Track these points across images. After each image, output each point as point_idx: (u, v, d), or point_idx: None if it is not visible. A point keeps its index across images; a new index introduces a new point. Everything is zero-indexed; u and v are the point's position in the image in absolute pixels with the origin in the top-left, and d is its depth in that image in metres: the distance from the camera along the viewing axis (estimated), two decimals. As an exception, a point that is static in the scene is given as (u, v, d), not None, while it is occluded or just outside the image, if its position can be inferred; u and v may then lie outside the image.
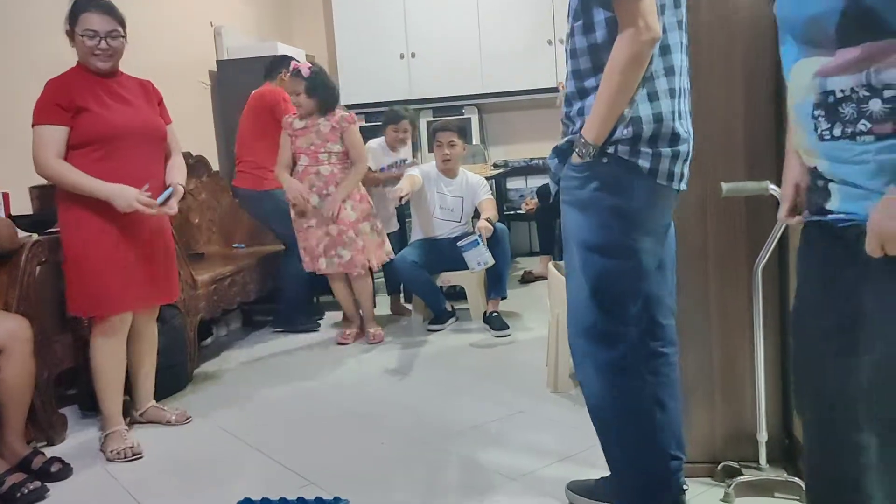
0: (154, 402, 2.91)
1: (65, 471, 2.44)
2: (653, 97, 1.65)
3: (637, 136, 1.64)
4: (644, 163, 1.64)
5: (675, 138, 1.66)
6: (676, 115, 1.68)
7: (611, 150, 1.65)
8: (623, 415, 1.76)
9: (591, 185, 1.69)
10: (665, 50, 1.67)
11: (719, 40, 2.00)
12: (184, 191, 2.73)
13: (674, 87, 1.68)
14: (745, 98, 2.04)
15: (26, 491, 2.25)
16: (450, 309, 4.09)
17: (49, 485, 2.33)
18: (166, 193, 2.61)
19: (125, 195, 2.46)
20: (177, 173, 2.73)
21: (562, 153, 1.76)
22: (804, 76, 1.22)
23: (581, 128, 1.68)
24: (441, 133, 4.05)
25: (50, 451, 2.55)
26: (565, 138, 1.76)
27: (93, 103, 2.50)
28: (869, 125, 1.13)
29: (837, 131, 1.18)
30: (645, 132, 1.64)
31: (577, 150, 1.68)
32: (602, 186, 1.68)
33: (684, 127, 1.70)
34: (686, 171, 1.73)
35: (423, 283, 4.02)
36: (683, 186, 1.75)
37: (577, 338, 1.80)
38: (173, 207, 2.62)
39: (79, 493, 2.33)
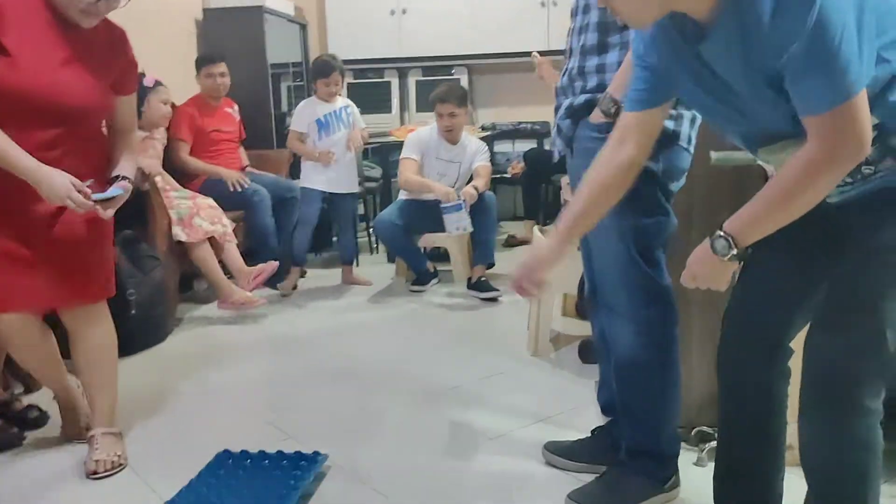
0: (106, 429, 2.19)
1: (42, 418, 2.42)
2: None
3: None
4: (668, 124, 1.64)
5: None
6: None
7: None
8: (666, 367, 1.79)
9: None
10: None
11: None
12: (132, 189, 2.08)
13: None
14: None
15: (2, 436, 2.25)
16: (431, 270, 4.09)
17: (27, 432, 2.32)
18: (111, 192, 1.98)
19: (57, 186, 1.86)
20: (126, 164, 2.10)
21: (575, 113, 1.74)
22: (783, 151, 1.28)
23: (598, 85, 1.66)
24: (441, 105, 3.92)
25: (27, 399, 2.53)
26: (582, 97, 1.74)
27: (15, 42, 1.85)
28: None
29: None
30: None
31: (601, 107, 1.67)
32: None
33: None
34: (694, 136, 1.74)
35: (402, 244, 4.00)
36: (692, 150, 1.75)
37: (615, 296, 1.80)
38: (108, 213, 1.99)
39: (55, 441, 2.33)
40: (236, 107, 4.34)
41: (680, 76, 1.36)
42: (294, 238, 4.04)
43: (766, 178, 1.53)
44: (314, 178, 4.03)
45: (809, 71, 1.14)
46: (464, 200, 3.75)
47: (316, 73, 4.08)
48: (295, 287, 4.06)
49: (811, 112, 1.17)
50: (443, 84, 4.23)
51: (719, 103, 1.33)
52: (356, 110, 4.16)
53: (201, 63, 4.16)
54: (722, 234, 1.30)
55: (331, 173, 4.03)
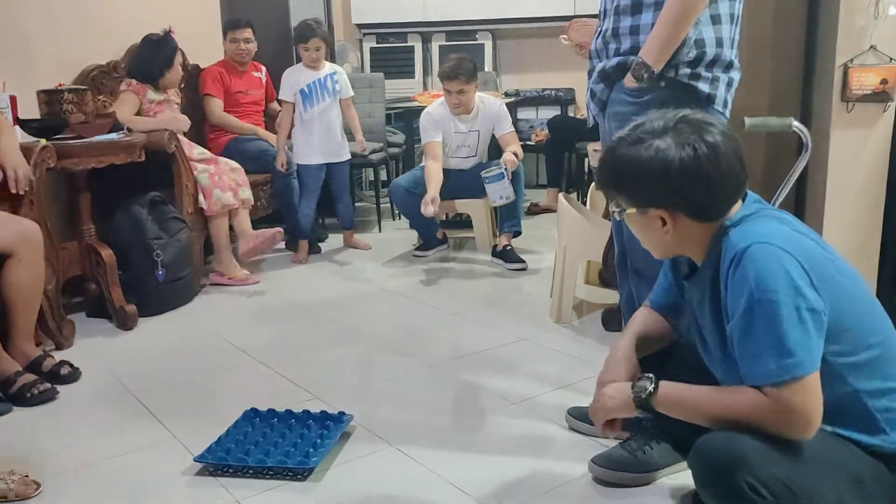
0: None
1: (73, 374, 2.48)
2: (716, 20, 1.61)
3: (698, 60, 1.60)
4: (704, 87, 1.61)
5: (729, 65, 1.63)
6: (732, 41, 1.64)
7: (671, 73, 1.61)
8: None
9: (651, 111, 1.65)
10: None
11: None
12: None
13: (734, 13, 1.63)
14: (774, 32, 1.98)
15: (37, 392, 2.30)
16: (440, 237, 4.07)
17: (59, 387, 2.37)
18: None
19: None
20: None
21: (608, 77, 1.71)
22: None
23: (632, 48, 1.63)
24: (448, 82, 3.76)
25: (58, 356, 2.58)
26: (614, 59, 1.71)
27: None
28: None
29: None
30: (707, 55, 1.60)
31: (633, 72, 1.64)
32: None
33: (735, 55, 1.67)
34: (731, 100, 1.71)
35: (413, 210, 3.88)
36: (728, 115, 1.72)
37: (644, 261, 1.80)
38: None
39: (87, 396, 2.38)
40: (264, 69, 4.31)
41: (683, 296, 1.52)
42: (299, 212, 3.92)
43: (800, 145, 1.51)
44: (308, 154, 3.94)
45: (744, 344, 1.25)
46: (506, 168, 3.65)
47: (296, 38, 3.96)
48: (306, 257, 3.98)
49: (748, 381, 1.26)
50: (449, 58, 3.94)
51: (696, 334, 1.48)
52: (344, 77, 4.05)
53: (227, 28, 4.12)
54: (645, 390, 1.42)
55: (323, 145, 3.95)
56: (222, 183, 3.51)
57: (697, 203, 1.34)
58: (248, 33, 4.10)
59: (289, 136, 3.95)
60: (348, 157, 4.10)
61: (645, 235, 1.43)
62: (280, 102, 4.00)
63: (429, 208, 3.55)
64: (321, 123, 3.92)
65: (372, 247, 4.18)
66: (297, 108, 3.89)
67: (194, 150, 3.55)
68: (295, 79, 3.88)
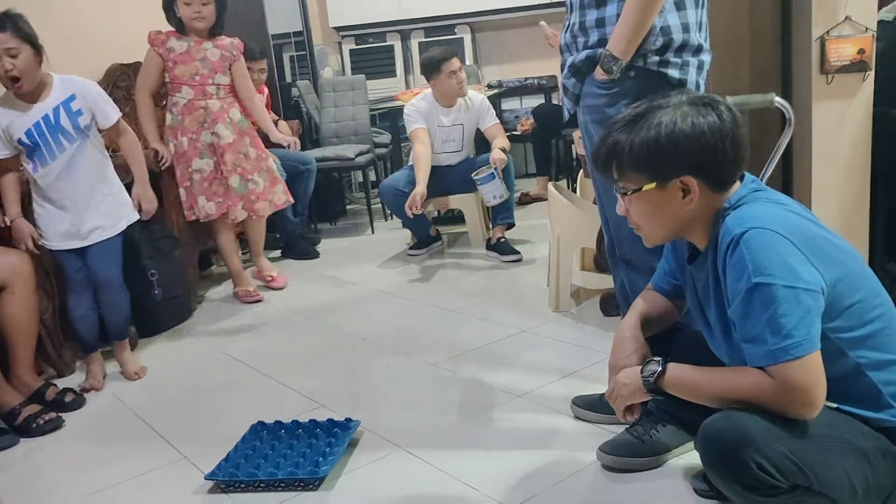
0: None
1: (78, 401, 2.48)
2: (680, 6, 1.61)
3: (666, 46, 1.61)
4: (674, 73, 1.62)
5: (698, 49, 1.64)
6: (699, 25, 1.65)
7: (639, 62, 1.62)
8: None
9: (621, 102, 1.66)
10: None
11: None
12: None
13: None
14: (749, 9, 1.99)
15: (42, 422, 2.30)
16: (434, 234, 4.07)
17: (64, 415, 2.38)
18: None
19: None
20: None
21: (578, 71, 1.72)
22: None
23: (600, 40, 1.64)
24: (448, 62, 3.75)
25: (61, 383, 2.58)
26: (583, 53, 1.72)
27: None
28: None
29: None
30: (675, 42, 1.60)
31: (602, 65, 1.65)
32: (634, 102, 1.64)
33: (704, 38, 1.68)
34: (703, 83, 1.72)
35: (404, 210, 3.92)
36: None
37: (633, 250, 1.82)
38: None
39: (93, 422, 2.38)
40: (267, 92, 4.26)
41: (685, 281, 1.54)
42: (71, 313, 2.63)
43: (783, 121, 1.52)
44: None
45: (745, 327, 1.27)
46: (496, 168, 3.66)
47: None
48: (101, 381, 2.69)
49: (751, 363, 1.28)
50: (431, 48, 4.06)
51: (700, 318, 1.50)
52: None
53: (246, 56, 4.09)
54: (654, 373, 1.44)
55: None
56: (210, 191, 3.30)
57: (722, 166, 1.35)
58: (263, 64, 4.14)
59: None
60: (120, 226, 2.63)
61: (658, 212, 1.40)
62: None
63: (412, 208, 3.56)
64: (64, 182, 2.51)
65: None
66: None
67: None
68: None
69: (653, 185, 1.38)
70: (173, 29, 3.22)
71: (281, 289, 3.62)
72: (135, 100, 3.34)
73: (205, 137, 3.24)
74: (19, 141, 2.41)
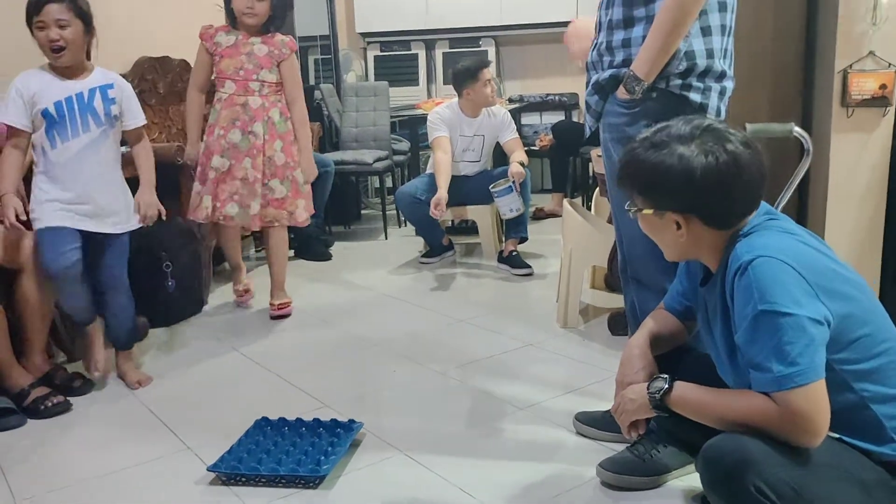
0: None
1: (86, 386, 2.51)
2: (706, 32, 1.64)
3: (689, 71, 1.63)
4: (696, 97, 1.64)
5: (721, 75, 1.66)
6: (724, 52, 1.67)
7: (662, 84, 1.64)
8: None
9: (641, 122, 1.68)
10: None
11: (752, -23, 1.96)
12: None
13: (725, 24, 1.67)
14: (774, 39, 2.00)
15: (50, 404, 2.33)
16: (446, 243, 4.10)
17: (72, 399, 2.41)
18: None
19: None
20: None
21: (602, 89, 1.74)
22: None
23: (625, 61, 1.66)
24: (485, 70, 3.83)
25: (71, 368, 2.62)
26: (607, 72, 1.74)
27: None
28: None
29: None
30: (698, 67, 1.63)
31: (625, 85, 1.67)
32: (654, 123, 1.65)
33: (728, 65, 1.70)
34: (724, 109, 1.74)
35: (419, 217, 3.95)
36: None
37: (644, 269, 1.83)
38: None
39: (100, 408, 2.41)
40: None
41: (697, 303, 1.56)
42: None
43: (801, 151, 1.54)
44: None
45: (750, 353, 1.29)
46: (514, 182, 3.70)
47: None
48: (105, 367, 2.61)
49: (756, 388, 1.29)
50: (464, 58, 4.15)
51: (709, 340, 1.51)
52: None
53: None
54: (660, 390, 1.45)
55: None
56: (219, 190, 3.09)
57: (713, 211, 1.37)
58: None
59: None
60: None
61: (659, 237, 1.46)
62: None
63: (437, 210, 3.58)
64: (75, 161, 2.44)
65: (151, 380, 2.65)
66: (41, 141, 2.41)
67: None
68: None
69: (650, 211, 1.42)
70: (225, 24, 3.13)
71: (286, 316, 3.26)
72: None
73: (233, 136, 3.04)
74: (44, 112, 2.33)
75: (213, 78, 3.14)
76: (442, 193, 3.64)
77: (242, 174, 3.06)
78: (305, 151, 3.17)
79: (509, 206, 3.70)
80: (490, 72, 3.88)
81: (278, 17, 3.10)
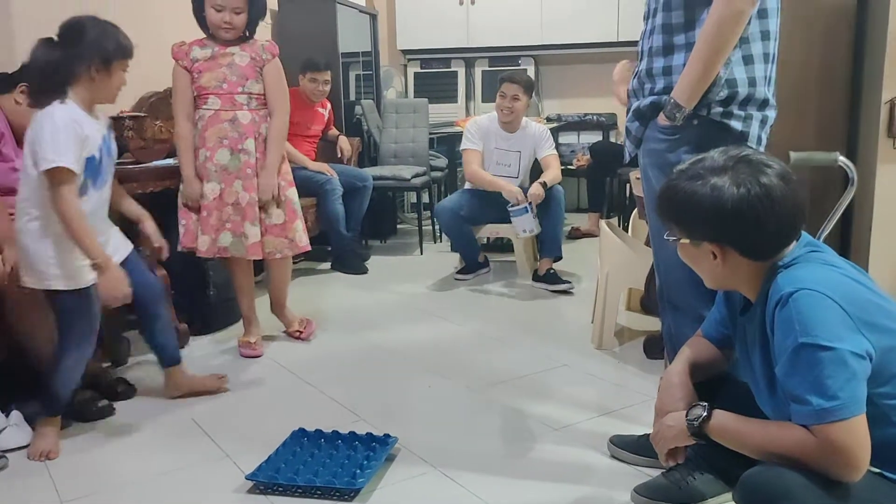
0: None
1: (129, 391, 2.57)
2: (748, 60, 1.65)
3: (730, 99, 1.64)
4: (736, 125, 1.65)
5: (764, 103, 1.67)
6: (767, 80, 1.68)
7: (703, 111, 1.65)
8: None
9: (681, 149, 1.69)
10: (763, 13, 1.66)
11: (802, 9, 1.96)
12: None
13: (768, 52, 1.67)
14: (820, 67, 2.00)
15: (94, 408, 2.39)
16: (482, 260, 4.12)
17: (115, 404, 2.47)
18: None
19: None
20: None
21: (642, 115, 1.76)
22: None
23: (665, 88, 1.67)
24: (507, 84, 3.86)
25: (114, 373, 2.68)
26: (648, 99, 1.76)
27: None
28: None
29: None
30: (740, 95, 1.64)
31: (666, 112, 1.69)
32: (694, 150, 1.65)
33: (771, 93, 1.70)
34: (765, 137, 1.74)
35: (458, 232, 4.01)
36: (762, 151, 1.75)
37: (680, 294, 1.83)
38: None
39: (141, 413, 2.46)
40: (329, 106, 4.46)
41: (736, 332, 1.55)
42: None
43: (846, 180, 1.53)
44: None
45: (790, 385, 1.28)
46: (530, 203, 3.74)
47: (305, 66, 4.19)
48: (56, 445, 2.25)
49: (795, 421, 1.28)
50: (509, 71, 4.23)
51: (747, 370, 1.51)
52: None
53: (308, 67, 4.24)
54: (699, 418, 1.43)
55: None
56: (207, 225, 2.82)
57: (748, 242, 1.38)
58: (328, 76, 4.28)
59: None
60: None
61: (697, 266, 1.48)
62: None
63: (520, 198, 3.74)
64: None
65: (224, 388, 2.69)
66: None
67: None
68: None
69: (687, 241, 1.43)
70: (199, 38, 2.84)
71: (309, 339, 3.15)
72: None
73: (221, 157, 2.76)
74: (90, 159, 2.08)
75: (193, 96, 2.81)
76: (513, 185, 3.80)
77: (234, 199, 2.78)
78: (270, 167, 2.81)
79: (523, 226, 3.75)
80: (513, 88, 3.85)
81: (254, 22, 2.83)
